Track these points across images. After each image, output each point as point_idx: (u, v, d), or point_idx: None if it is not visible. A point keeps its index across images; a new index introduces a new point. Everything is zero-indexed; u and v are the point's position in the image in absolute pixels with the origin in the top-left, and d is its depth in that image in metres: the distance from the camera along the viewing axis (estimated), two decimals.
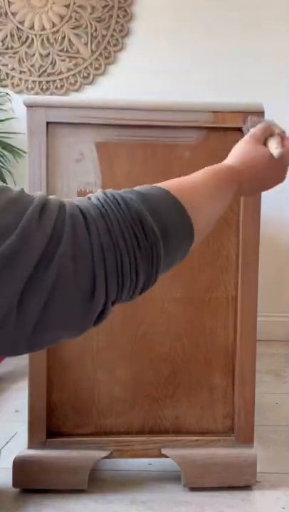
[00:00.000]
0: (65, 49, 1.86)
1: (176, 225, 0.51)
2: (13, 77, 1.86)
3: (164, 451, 0.96)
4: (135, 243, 0.45)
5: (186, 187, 0.57)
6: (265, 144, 0.70)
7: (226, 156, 0.86)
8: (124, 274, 0.44)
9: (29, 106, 0.90)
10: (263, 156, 0.67)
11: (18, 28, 1.84)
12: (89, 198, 0.46)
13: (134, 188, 0.51)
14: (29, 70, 1.86)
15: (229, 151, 0.89)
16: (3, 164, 1.71)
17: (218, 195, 0.62)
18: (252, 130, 0.72)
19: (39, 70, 1.86)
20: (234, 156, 0.67)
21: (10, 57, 1.85)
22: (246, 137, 0.70)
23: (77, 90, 1.88)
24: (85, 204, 0.44)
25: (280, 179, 0.72)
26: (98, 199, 0.46)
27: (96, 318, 0.44)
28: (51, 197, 0.45)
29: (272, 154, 0.67)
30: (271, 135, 0.72)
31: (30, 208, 0.41)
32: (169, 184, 0.56)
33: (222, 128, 0.93)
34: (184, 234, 0.52)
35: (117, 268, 0.43)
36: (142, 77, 1.85)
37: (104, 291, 0.43)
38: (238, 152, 0.68)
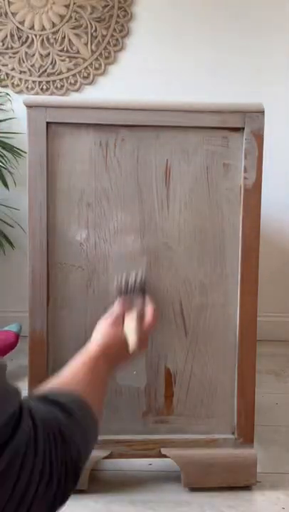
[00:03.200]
0: (65, 49, 1.85)
1: (93, 436, 0.60)
2: (13, 77, 1.86)
3: (164, 451, 0.96)
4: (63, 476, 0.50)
5: (88, 390, 0.63)
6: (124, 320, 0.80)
7: (226, 157, 0.87)
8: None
9: (29, 106, 0.90)
10: (122, 343, 0.76)
11: (18, 28, 1.84)
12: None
13: (62, 403, 0.57)
14: (29, 70, 1.86)
15: (229, 151, 0.90)
16: (3, 164, 1.71)
17: (103, 383, 0.69)
18: (113, 309, 0.81)
19: (39, 70, 1.86)
20: (98, 340, 0.74)
21: (10, 57, 1.85)
22: (107, 317, 0.80)
23: (77, 90, 1.88)
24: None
25: (143, 350, 0.81)
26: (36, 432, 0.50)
27: None
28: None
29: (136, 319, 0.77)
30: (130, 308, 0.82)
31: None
32: (79, 388, 0.63)
33: (222, 128, 0.93)
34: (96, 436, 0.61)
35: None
36: (142, 77, 1.85)
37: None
38: (102, 336, 0.75)
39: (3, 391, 0.49)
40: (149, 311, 0.83)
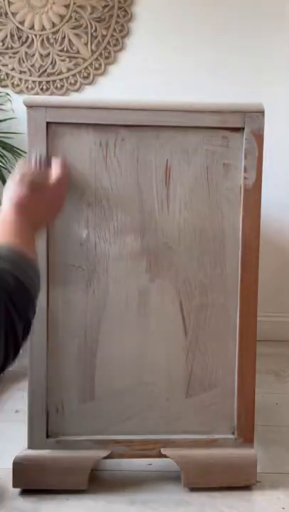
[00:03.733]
0: (65, 49, 1.85)
1: (34, 279, 0.62)
2: (13, 77, 1.86)
3: (164, 451, 0.96)
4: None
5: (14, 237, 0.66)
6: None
7: (226, 157, 0.87)
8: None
9: (29, 106, 0.90)
10: (27, 191, 0.76)
11: (18, 28, 1.84)
12: None
13: None
14: (29, 70, 1.86)
15: (229, 151, 0.90)
16: (3, 164, 1.71)
17: (26, 234, 0.70)
18: (17, 170, 0.82)
19: (39, 70, 1.86)
20: (6, 200, 0.75)
21: (10, 57, 1.85)
22: (11, 178, 0.80)
23: (77, 90, 1.88)
24: None
25: (58, 202, 0.85)
26: None
27: None
28: None
29: (36, 188, 0.77)
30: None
31: None
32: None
33: (222, 128, 0.93)
34: (37, 280, 0.64)
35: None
36: (142, 77, 1.85)
37: None
38: (8, 196, 0.76)
39: None
40: (55, 163, 0.85)
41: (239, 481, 0.97)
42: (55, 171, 0.85)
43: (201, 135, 0.93)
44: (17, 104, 1.79)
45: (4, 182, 1.67)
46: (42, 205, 0.78)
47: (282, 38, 1.85)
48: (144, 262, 0.95)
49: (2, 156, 1.70)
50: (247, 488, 0.97)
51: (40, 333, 0.94)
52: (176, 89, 1.84)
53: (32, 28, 1.84)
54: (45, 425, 0.95)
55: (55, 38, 1.85)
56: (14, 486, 0.94)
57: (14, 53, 1.85)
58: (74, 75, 1.87)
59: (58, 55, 1.85)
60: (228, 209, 0.95)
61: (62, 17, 1.84)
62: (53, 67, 1.86)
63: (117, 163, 0.93)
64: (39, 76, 1.86)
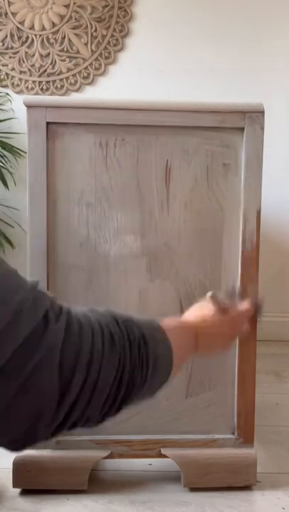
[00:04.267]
0: (65, 49, 1.86)
1: (164, 362, 0.56)
2: (13, 77, 1.86)
3: (164, 451, 0.96)
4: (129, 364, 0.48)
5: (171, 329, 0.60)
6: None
7: (226, 157, 0.87)
8: (102, 389, 0.45)
9: (29, 106, 0.90)
10: (210, 310, 0.73)
11: (18, 28, 1.84)
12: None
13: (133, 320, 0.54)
14: (29, 70, 1.86)
15: (229, 151, 0.90)
16: (3, 164, 1.71)
17: (187, 349, 0.65)
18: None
19: (39, 70, 1.86)
20: (188, 312, 0.73)
21: (10, 57, 1.85)
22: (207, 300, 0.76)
23: (77, 90, 1.88)
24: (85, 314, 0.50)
25: (234, 333, 0.78)
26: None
27: (52, 429, 0.43)
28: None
29: (219, 309, 0.73)
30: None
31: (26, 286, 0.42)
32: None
33: (222, 128, 0.93)
34: (167, 372, 0.58)
35: (98, 379, 0.44)
36: (142, 78, 1.85)
37: (75, 396, 0.43)
38: (193, 309, 0.74)
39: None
40: (246, 304, 0.80)
41: (239, 481, 0.97)
42: (244, 305, 0.79)
43: (201, 135, 0.93)
44: (17, 104, 1.79)
45: (4, 182, 1.68)
46: (217, 332, 0.73)
47: (282, 38, 1.85)
48: (144, 262, 0.95)
49: (2, 156, 1.70)
50: (247, 488, 0.97)
51: None
52: (176, 89, 1.84)
53: (32, 28, 1.84)
54: None
55: (55, 38, 1.85)
56: (14, 486, 0.94)
57: (14, 53, 1.85)
58: (74, 75, 1.87)
59: (57, 55, 1.85)
60: (228, 209, 0.95)
61: (62, 17, 1.84)
62: (53, 67, 1.86)
63: (117, 163, 0.93)
64: (39, 76, 1.86)
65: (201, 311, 0.73)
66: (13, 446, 0.43)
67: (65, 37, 1.85)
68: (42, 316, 0.41)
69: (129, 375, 0.48)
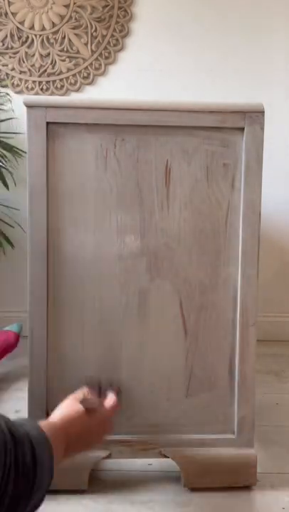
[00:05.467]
0: (65, 49, 1.85)
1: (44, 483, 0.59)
2: (13, 77, 1.86)
3: (164, 451, 0.96)
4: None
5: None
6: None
7: (226, 157, 0.86)
8: None
9: (29, 106, 0.90)
10: (78, 411, 0.75)
11: (18, 28, 1.84)
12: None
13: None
14: (29, 70, 1.86)
15: (229, 151, 0.90)
16: (3, 164, 1.71)
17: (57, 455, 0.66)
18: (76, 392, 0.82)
19: (39, 70, 1.86)
20: (55, 411, 0.76)
21: (10, 57, 1.85)
22: (70, 396, 0.80)
23: (77, 90, 1.88)
24: None
25: (102, 433, 0.80)
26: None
27: None
28: None
29: (88, 409, 0.76)
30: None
31: None
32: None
33: (222, 128, 0.93)
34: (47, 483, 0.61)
35: None
36: (142, 77, 1.85)
37: None
38: (59, 408, 0.77)
39: None
40: (111, 397, 0.85)
41: (239, 481, 0.97)
42: (109, 400, 0.85)
43: (201, 135, 0.93)
44: (17, 104, 1.79)
45: (4, 182, 1.68)
46: (86, 430, 0.76)
47: (282, 38, 1.85)
48: (144, 262, 0.95)
49: (2, 156, 1.70)
50: (247, 488, 0.97)
51: (41, 333, 0.94)
52: (176, 89, 1.84)
53: (32, 28, 1.84)
54: None
55: (55, 38, 1.85)
56: None
57: (14, 53, 1.85)
58: (74, 75, 1.87)
59: (58, 55, 1.85)
60: (227, 209, 0.95)
61: (62, 17, 1.84)
62: (53, 67, 1.86)
63: (117, 163, 0.93)
64: (39, 76, 1.86)
65: (68, 412, 0.75)
66: None
67: (65, 37, 1.85)
68: None
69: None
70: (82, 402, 0.78)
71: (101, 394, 0.89)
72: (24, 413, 0.97)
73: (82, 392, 0.82)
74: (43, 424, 0.65)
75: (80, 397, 0.80)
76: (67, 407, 0.77)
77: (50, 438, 0.62)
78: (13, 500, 0.53)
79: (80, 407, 0.77)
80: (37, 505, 0.58)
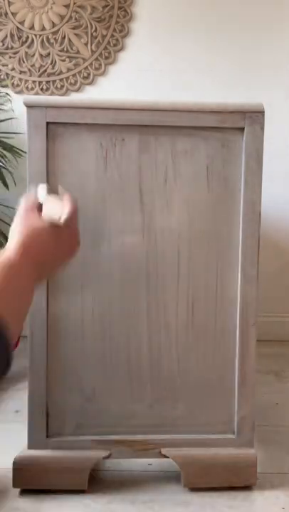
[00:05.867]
0: (65, 49, 1.85)
1: None
2: (13, 77, 1.86)
3: (164, 451, 0.96)
4: None
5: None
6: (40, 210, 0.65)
7: (226, 157, 0.86)
8: None
9: (29, 106, 0.90)
10: (42, 228, 0.61)
11: (18, 28, 1.84)
12: None
13: None
14: (29, 70, 1.86)
15: (229, 151, 0.90)
16: (3, 164, 1.71)
17: (25, 291, 0.56)
18: (22, 202, 0.67)
19: (39, 70, 1.86)
20: (13, 235, 0.61)
21: (10, 57, 1.85)
22: (21, 207, 0.65)
23: (77, 90, 1.88)
24: None
25: (74, 245, 0.69)
26: None
27: None
28: None
29: (53, 222, 0.62)
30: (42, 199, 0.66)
31: None
32: None
33: (222, 128, 0.93)
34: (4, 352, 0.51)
35: None
36: (142, 77, 1.85)
37: None
38: (17, 230, 0.62)
39: None
40: (67, 198, 0.69)
41: (239, 481, 0.97)
42: (65, 205, 0.68)
43: (201, 135, 0.93)
44: (17, 104, 1.79)
45: (4, 182, 1.68)
46: (53, 246, 0.63)
47: (282, 38, 1.85)
48: (144, 262, 0.95)
49: (2, 156, 1.70)
50: (247, 488, 0.97)
51: (40, 333, 0.94)
52: (177, 89, 1.84)
53: (32, 28, 1.84)
54: (45, 425, 0.95)
55: (55, 38, 1.85)
56: (14, 486, 0.94)
57: (14, 53, 1.85)
58: (74, 75, 1.87)
59: (58, 55, 1.85)
60: (228, 209, 0.95)
61: (62, 17, 1.84)
62: (53, 67, 1.86)
63: (117, 163, 0.93)
64: (39, 76, 1.86)
65: (27, 225, 0.61)
66: None
67: (65, 37, 1.85)
68: None
69: None
70: (48, 211, 0.64)
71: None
72: (24, 413, 0.97)
73: (32, 200, 0.67)
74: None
75: (33, 207, 0.64)
76: (27, 226, 0.62)
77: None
78: None
79: (41, 222, 0.62)
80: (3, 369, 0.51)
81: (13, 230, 0.63)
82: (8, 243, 0.60)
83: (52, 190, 0.73)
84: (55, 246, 0.63)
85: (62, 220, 0.63)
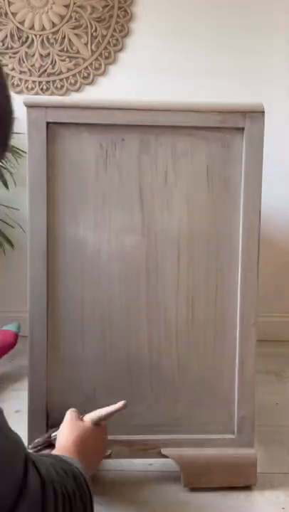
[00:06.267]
0: (65, 49, 1.85)
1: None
2: (13, 77, 1.86)
3: (164, 451, 0.96)
4: None
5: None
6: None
7: (226, 157, 0.85)
8: None
9: (29, 106, 0.90)
10: (90, 430, 0.81)
11: (18, 28, 1.84)
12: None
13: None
14: (29, 70, 1.86)
15: (229, 151, 0.89)
16: (3, 164, 1.70)
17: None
18: (68, 413, 0.86)
19: (39, 70, 1.86)
20: (68, 439, 0.78)
21: (10, 57, 1.85)
22: (66, 417, 0.84)
23: (77, 90, 1.88)
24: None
25: (105, 446, 0.87)
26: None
27: None
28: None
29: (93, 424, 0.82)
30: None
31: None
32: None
33: (222, 128, 0.93)
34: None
35: None
36: (142, 78, 1.85)
37: None
38: (69, 436, 0.79)
39: (10, 450, 0.54)
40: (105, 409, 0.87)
41: (239, 481, 0.97)
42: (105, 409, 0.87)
43: (201, 135, 0.93)
44: (17, 104, 1.78)
45: (4, 182, 1.68)
46: (93, 449, 0.80)
47: (282, 38, 1.85)
48: (144, 263, 0.95)
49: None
50: (247, 488, 0.97)
51: (41, 333, 0.94)
52: (177, 89, 1.84)
53: (32, 28, 1.84)
54: (45, 425, 0.95)
55: (55, 38, 1.85)
56: None
57: (14, 53, 1.85)
58: (74, 75, 1.87)
59: (58, 55, 1.85)
60: (228, 209, 0.95)
61: (62, 17, 1.84)
62: (53, 67, 1.86)
63: (117, 163, 0.93)
64: (39, 76, 1.86)
65: (77, 435, 0.79)
66: None
67: (65, 37, 1.85)
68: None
69: None
70: (92, 419, 0.84)
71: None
72: (24, 413, 0.97)
73: (73, 415, 0.86)
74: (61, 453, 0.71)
75: (76, 416, 0.85)
76: (73, 430, 0.80)
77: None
78: None
79: (84, 426, 0.82)
80: None
81: (62, 433, 0.81)
82: (59, 443, 0.78)
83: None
84: (94, 443, 0.80)
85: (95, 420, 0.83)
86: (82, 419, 0.85)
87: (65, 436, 0.80)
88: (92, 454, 0.79)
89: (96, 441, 0.81)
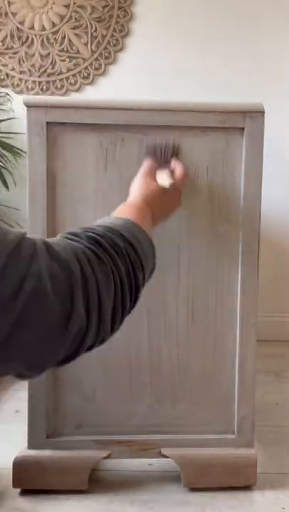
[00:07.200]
0: (65, 49, 1.85)
1: (149, 253, 0.64)
2: (13, 77, 1.86)
3: (164, 451, 0.96)
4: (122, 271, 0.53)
5: (137, 218, 0.68)
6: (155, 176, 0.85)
7: (226, 157, 0.85)
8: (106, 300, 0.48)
9: (29, 106, 0.90)
10: (160, 191, 0.81)
11: (18, 28, 1.84)
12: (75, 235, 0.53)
13: (108, 225, 0.60)
14: (29, 70, 1.86)
15: (229, 151, 0.89)
16: (3, 164, 1.70)
17: (147, 226, 0.71)
18: (144, 166, 0.86)
19: (39, 70, 1.86)
20: (135, 192, 0.81)
21: (10, 57, 1.85)
22: (141, 172, 0.84)
23: (77, 90, 1.88)
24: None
25: (176, 205, 0.87)
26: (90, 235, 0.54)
27: (65, 358, 0.47)
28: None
29: (162, 186, 0.82)
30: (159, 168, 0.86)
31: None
32: (127, 214, 0.68)
33: (222, 128, 0.93)
34: (153, 259, 0.67)
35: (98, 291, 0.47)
36: (142, 78, 1.85)
37: (85, 314, 0.45)
38: (138, 188, 0.81)
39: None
40: (178, 167, 0.86)
41: (239, 481, 0.97)
42: (179, 168, 0.86)
43: (202, 135, 0.93)
44: (17, 104, 1.79)
45: (4, 182, 1.68)
46: (165, 201, 0.82)
47: (283, 38, 1.85)
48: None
49: (2, 156, 1.70)
50: (247, 488, 0.97)
51: None
52: (176, 89, 1.84)
53: (32, 28, 1.84)
54: (45, 425, 0.95)
55: (55, 38, 1.85)
56: (14, 486, 0.94)
57: (14, 53, 1.85)
58: (74, 75, 1.87)
59: (58, 55, 1.85)
60: (228, 209, 0.95)
61: (62, 17, 1.84)
62: (53, 67, 1.86)
63: (117, 163, 0.93)
64: (39, 76, 1.86)
65: (149, 192, 0.80)
66: (33, 370, 0.47)
67: (65, 37, 1.85)
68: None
69: (129, 282, 0.53)
70: (159, 178, 0.83)
71: (162, 158, 0.90)
72: (24, 413, 0.97)
73: (149, 167, 0.85)
74: (130, 207, 0.73)
75: (151, 173, 0.84)
76: (147, 187, 0.81)
77: (134, 219, 0.65)
78: (136, 279, 0.56)
79: (156, 185, 0.81)
80: (152, 271, 0.67)
81: (134, 187, 0.82)
82: (130, 198, 0.80)
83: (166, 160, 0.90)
84: (162, 204, 0.81)
85: (168, 186, 0.81)
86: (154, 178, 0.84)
87: (136, 189, 0.81)
88: (157, 208, 0.79)
89: (160, 201, 0.81)
